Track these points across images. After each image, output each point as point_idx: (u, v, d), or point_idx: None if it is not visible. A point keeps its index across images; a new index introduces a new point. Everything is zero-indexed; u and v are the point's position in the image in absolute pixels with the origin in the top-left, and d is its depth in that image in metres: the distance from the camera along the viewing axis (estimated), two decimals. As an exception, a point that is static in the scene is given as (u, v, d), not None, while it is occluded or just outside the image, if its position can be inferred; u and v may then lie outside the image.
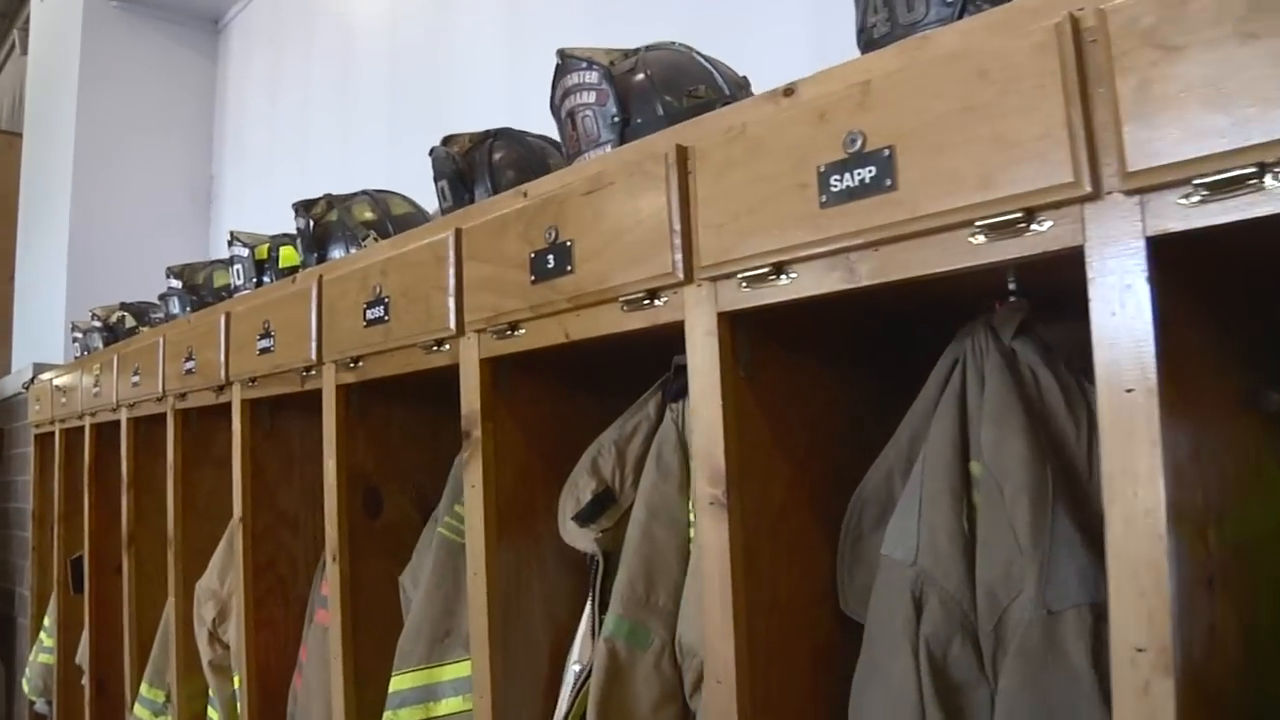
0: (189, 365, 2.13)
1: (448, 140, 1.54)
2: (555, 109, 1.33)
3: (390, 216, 1.91)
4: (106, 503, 2.78)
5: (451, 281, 1.31)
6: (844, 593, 1.05)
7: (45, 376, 3.48)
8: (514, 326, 1.23)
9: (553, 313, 1.16)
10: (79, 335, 3.39)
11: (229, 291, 2.30)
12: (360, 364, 1.52)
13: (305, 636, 1.83)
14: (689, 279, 0.99)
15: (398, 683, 1.44)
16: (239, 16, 4.61)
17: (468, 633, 1.33)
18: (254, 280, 2.15)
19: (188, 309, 2.58)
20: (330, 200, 1.92)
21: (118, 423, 2.64)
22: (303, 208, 1.89)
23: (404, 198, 2.03)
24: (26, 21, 5.71)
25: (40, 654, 3.45)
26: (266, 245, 2.17)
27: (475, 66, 2.78)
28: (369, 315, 1.47)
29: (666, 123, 1.18)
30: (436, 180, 1.55)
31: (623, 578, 1.15)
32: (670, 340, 1.06)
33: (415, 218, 1.94)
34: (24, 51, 5.93)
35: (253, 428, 1.95)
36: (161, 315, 2.81)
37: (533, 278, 1.17)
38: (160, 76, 4.61)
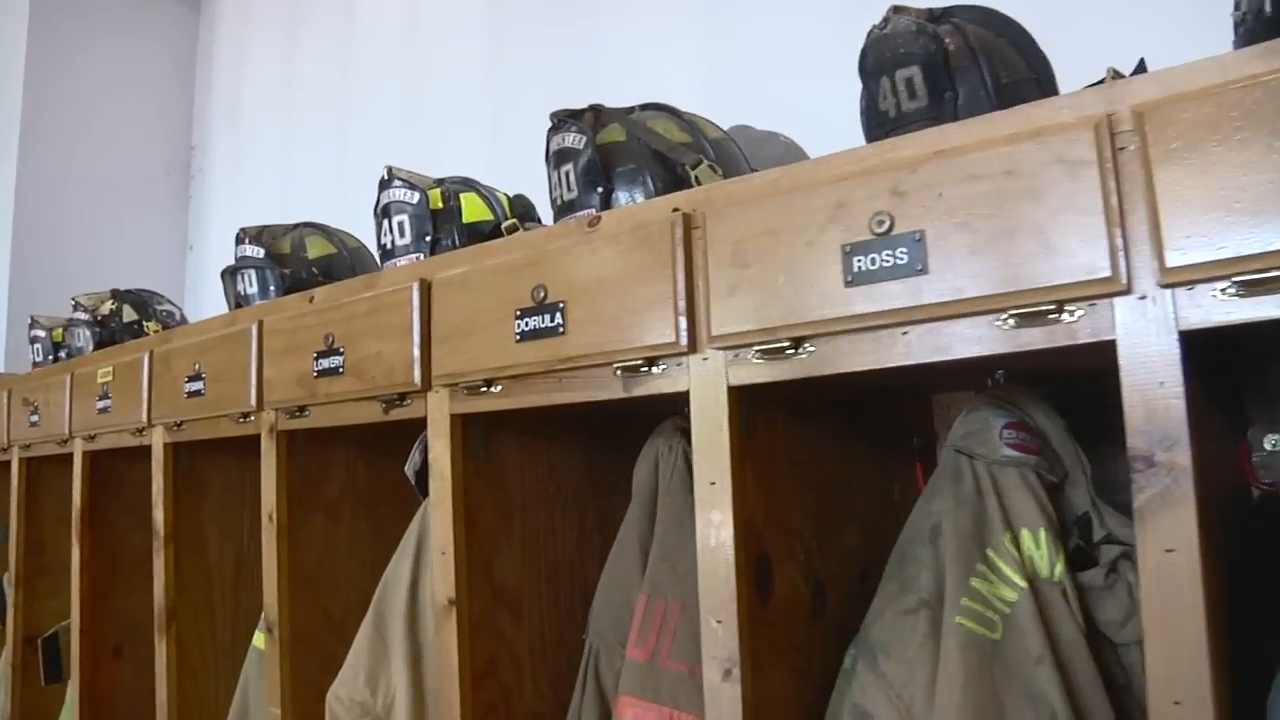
0: (280, 366, 1.59)
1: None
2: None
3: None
4: (106, 560, 2.18)
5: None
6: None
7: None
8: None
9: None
10: (39, 334, 2.76)
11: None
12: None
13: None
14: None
15: None
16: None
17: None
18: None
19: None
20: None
21: (139, 450, 1.98)
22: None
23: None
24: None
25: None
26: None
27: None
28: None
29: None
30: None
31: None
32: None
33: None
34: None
35: (465, 456, 1.36)
36: (167, 309, 2.55)
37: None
38: (130, 32, 4.07)
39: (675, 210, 1.13)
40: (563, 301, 1.18)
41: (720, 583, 1.07)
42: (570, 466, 1.49)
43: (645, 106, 1.37)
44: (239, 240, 1.78)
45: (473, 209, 1.55)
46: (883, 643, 1.07)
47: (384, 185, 1.54)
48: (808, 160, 1.09)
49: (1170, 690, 0.78)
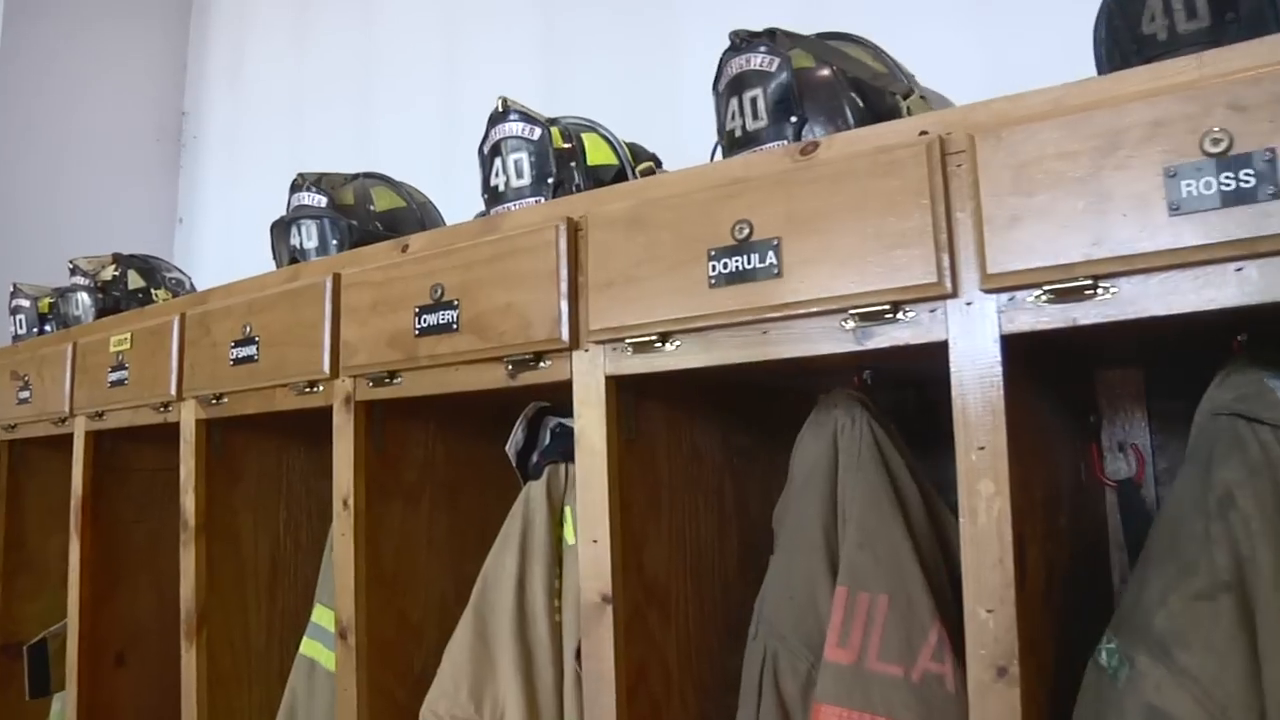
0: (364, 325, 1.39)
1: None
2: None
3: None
4: (108, 556, 1.91)
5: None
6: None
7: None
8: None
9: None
10: (23, 304, 2.44)
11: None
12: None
13: None
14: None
15: None
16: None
17: None
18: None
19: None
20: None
21: (150, 430, 1.78)
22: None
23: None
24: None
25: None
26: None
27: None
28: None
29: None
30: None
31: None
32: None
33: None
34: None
35: (619, 428, 1.19)
36: (176, 276, 2.25)
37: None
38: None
39: (923, 133, 0.99)
40: (776, 238, 1.03)
41: (990, 566, 0.93)
42: (709, 444, 1.34)
43: (824, 35, 1.23)
44: (296, 187, 1.57)
45: (597, 151, 1.39)
46: (1175, 633, 0.94)
47: (496, 119, 1.36)
48: (1089, 79, 0.96)
49: None
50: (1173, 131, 0.87)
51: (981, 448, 0.94)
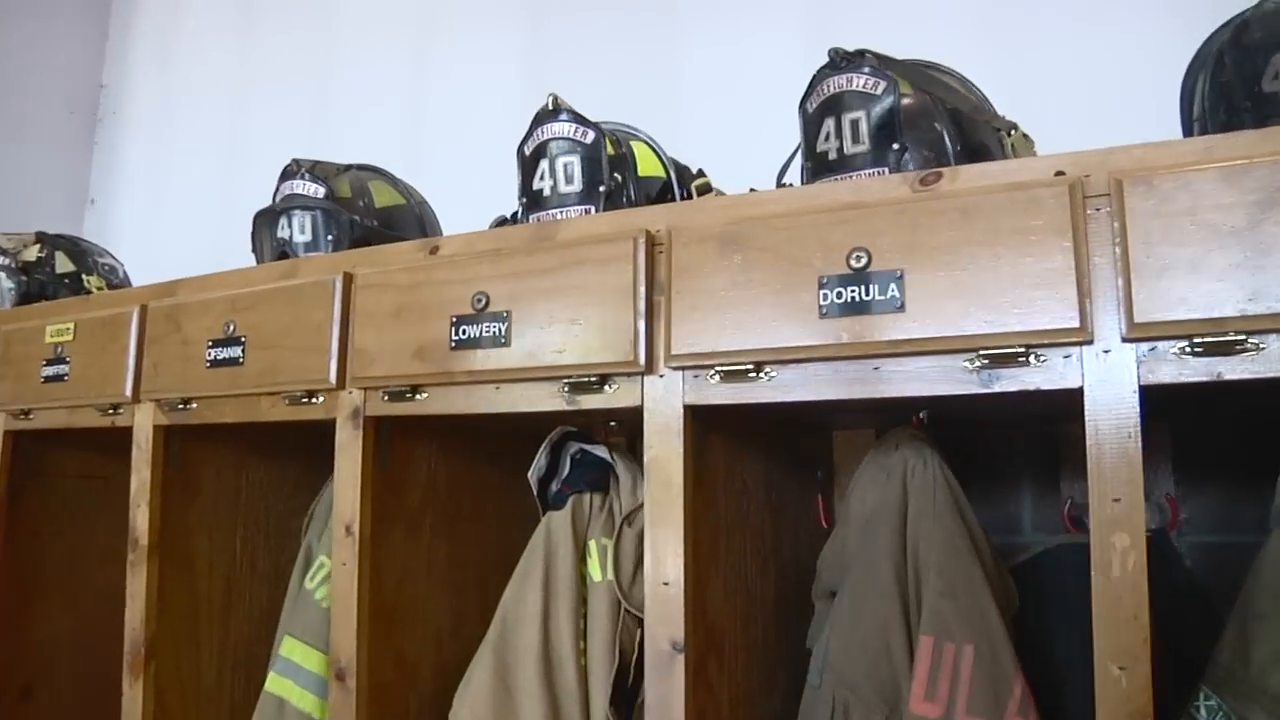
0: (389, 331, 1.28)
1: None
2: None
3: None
4: (20, 574, 1.66)
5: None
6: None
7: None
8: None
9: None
10: None
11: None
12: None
13: None
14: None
15: None
16: None
17: None
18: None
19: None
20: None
21: (82, 435, 1.62)
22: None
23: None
24: None
25: None
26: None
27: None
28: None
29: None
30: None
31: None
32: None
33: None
34: None
35: (694, 461, 1.13)
36: (109, 263, 2.01)
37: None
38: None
39: (1059, 173, 0.98)
40: (900, 270, 1.00)
41: (1126, 621, 0.92)
42: (756, 480, 1.29)
43: (915, 61, 1.21)
44: (289, 174, 1.44)
45: (646, 161, 1.33)
46: None
47: (544, 119, 1.29)
48: (1239, 133, 0.97)
49: None
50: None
51: (1117, 500, 0.94)
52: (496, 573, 1.42)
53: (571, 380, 1.15)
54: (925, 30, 1.73)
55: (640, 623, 1.28)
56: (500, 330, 1.18)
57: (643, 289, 1.12)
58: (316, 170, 1.45)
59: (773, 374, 1.07)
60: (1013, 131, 1.14)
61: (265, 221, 1.46)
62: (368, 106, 2.48)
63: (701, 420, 1.14)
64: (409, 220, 1.53)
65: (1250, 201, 0.91)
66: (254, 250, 1.50)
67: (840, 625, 1.17)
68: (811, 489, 1.51)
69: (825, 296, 1.03)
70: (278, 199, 1.46)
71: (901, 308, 1.01)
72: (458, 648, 1.38)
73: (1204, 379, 0.93)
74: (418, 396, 1.25)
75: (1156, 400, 0.96)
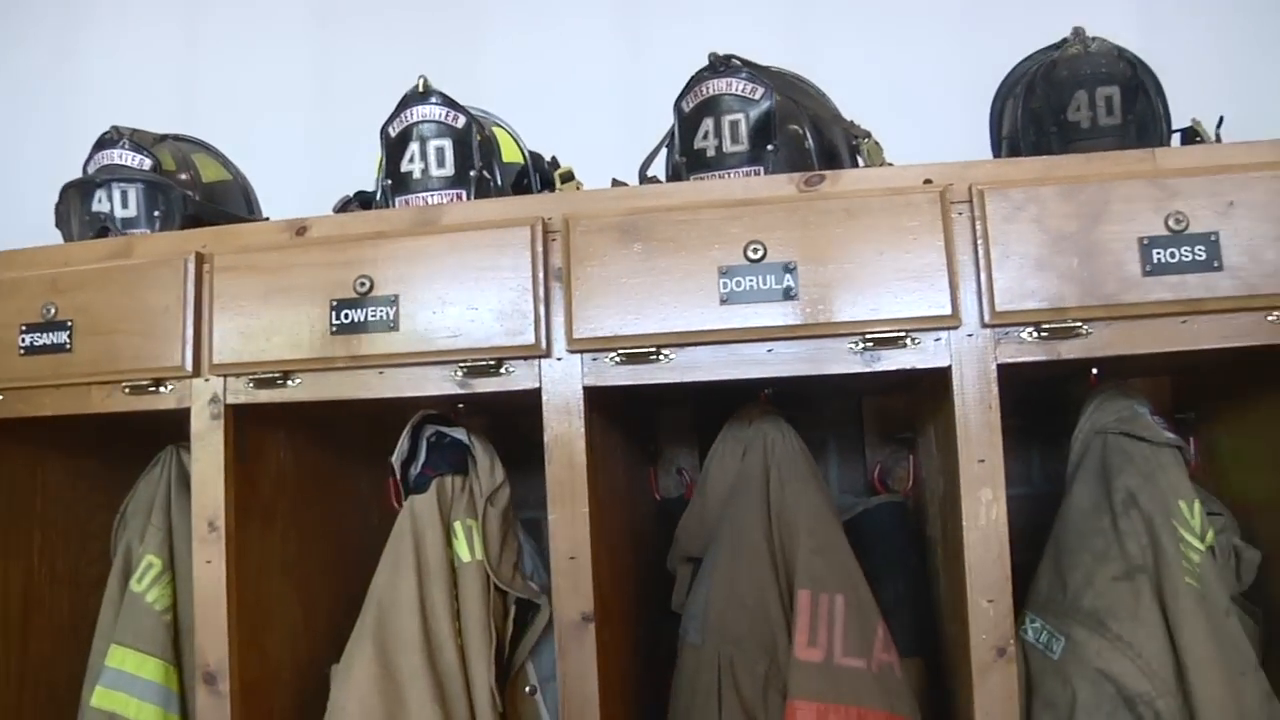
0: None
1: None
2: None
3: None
4: None
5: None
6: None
7: None
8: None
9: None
10: None
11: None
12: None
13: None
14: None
15: None
16: None
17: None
18: None
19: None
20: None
21: None
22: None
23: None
24: None
25: None
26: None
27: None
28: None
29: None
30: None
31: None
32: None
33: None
34: None
35: (592, 441, 1.20)
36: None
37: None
38: None
39: (927, 181, 1.15)
40: (793, 262, 1.13)
41: (993, 562, 1.12)
42: (618, 458, 1.39)
43: (778, 70, 1.34)
44: (108, 142, 1.34)
45: (508, 148, 1.37)
46: (1106, 610, 1.20)
47: (412, 101, 1.30)
48: (1069, 156, 1.18)
49: None
50: (1143, 209, 1.11)
51: (982, 461, 1.13)
52: (343, 562, 1.42)
53: (467, 364, 1.19)
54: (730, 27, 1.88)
55: (505, 598, 1.34)
56: (388, 314, 1.19)
57: (541, 274, 1.18)
58: (136, 138, 1.35)
59: (672, 356, 1.17)
60: (866, 139, 1.30)
61: (78, 193, 1.35)
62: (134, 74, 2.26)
63: (604, 401, 1.21)
64: (236, 196, 1.47)
65: (1084, 213, 1.12)
66: (59, 225, 1.38)
67: (717, 588, 1.29)
68: (645, 464, 1.62)
69: (725, 284, 1.14)
70: (93, 169, 1.35)
71: (794, 295, 1.14)
72: (311, 642, 1.37)
73: (1048, 358, 1.13)
74: (290, 383, 1.23)
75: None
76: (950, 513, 1.18)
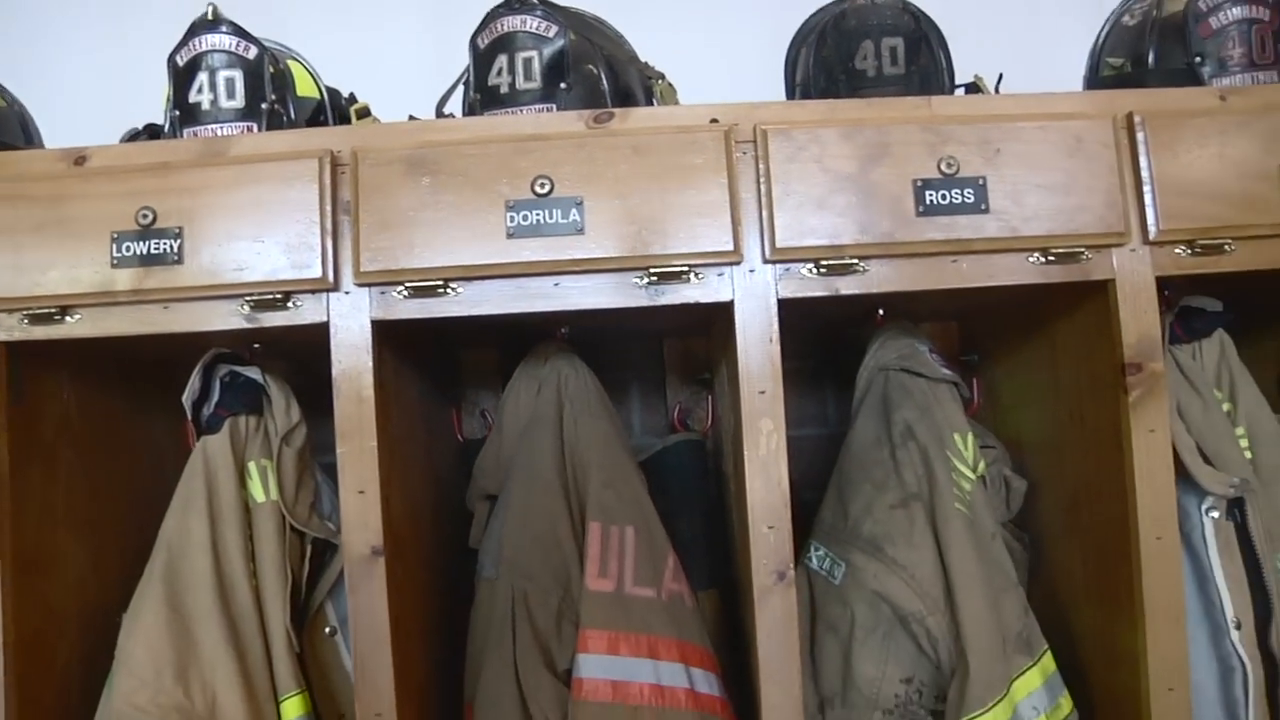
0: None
1: None
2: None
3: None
4: None
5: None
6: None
7: None
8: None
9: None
10: None
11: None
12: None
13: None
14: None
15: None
16: None
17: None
18: None
19: None
20: None
21: None
22: None
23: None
24: None
25: None
26: None
27: None
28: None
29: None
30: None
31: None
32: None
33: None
34: None
35: (382, 375, 1.22)
36: None
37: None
38: None
39: (714, 120, 1.20)
40: (580, 197, 1.17)
41: (772, 489, 1.18)
42: (413, 396, 1.41)
43: (576, 10, 1.37)
44: None
45: (303, 81, 1.36)
46: (883, 535, 1.29)
47: (201, 29, 1.28)
48: (850, 100, 1.24)
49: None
50: (919, 153, 1.18)
51: (762, 392, 1.18)
52: (137, 510, 1.40)
53: (254, 298, 1.18)
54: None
55: (303, 538, 1.35)
56: (172, 247, 1.18)
57: (329, 208, 1.18)
58: (-101, 63, 1.30)
59: (460, 290, 1.19)
60: (660, 80, 1.34)
61: None
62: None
63: (381, 337, 1.22)
64: (13, 124, 1.41)
65: (863, 155, 1.18)
66: None
67: (511, 522, 1.33)
68: (447, 405, 1.64)
69: (512, 219, 1.17)
70: None
71: (581, 230, 1.17)
72: (101, 591, 1.35)
73: (826, 294, 1.20)
74: (68, 319, 1.20)
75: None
76: (736, 445, 1.24)
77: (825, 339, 1.63)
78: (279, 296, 1.18)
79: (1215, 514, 1.29)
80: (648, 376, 1.74)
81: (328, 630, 1.37)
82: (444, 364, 1.66)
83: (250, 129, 1.29)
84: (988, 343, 1.61)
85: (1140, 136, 1.23)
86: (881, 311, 1.44)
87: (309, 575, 1.36)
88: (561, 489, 1.32)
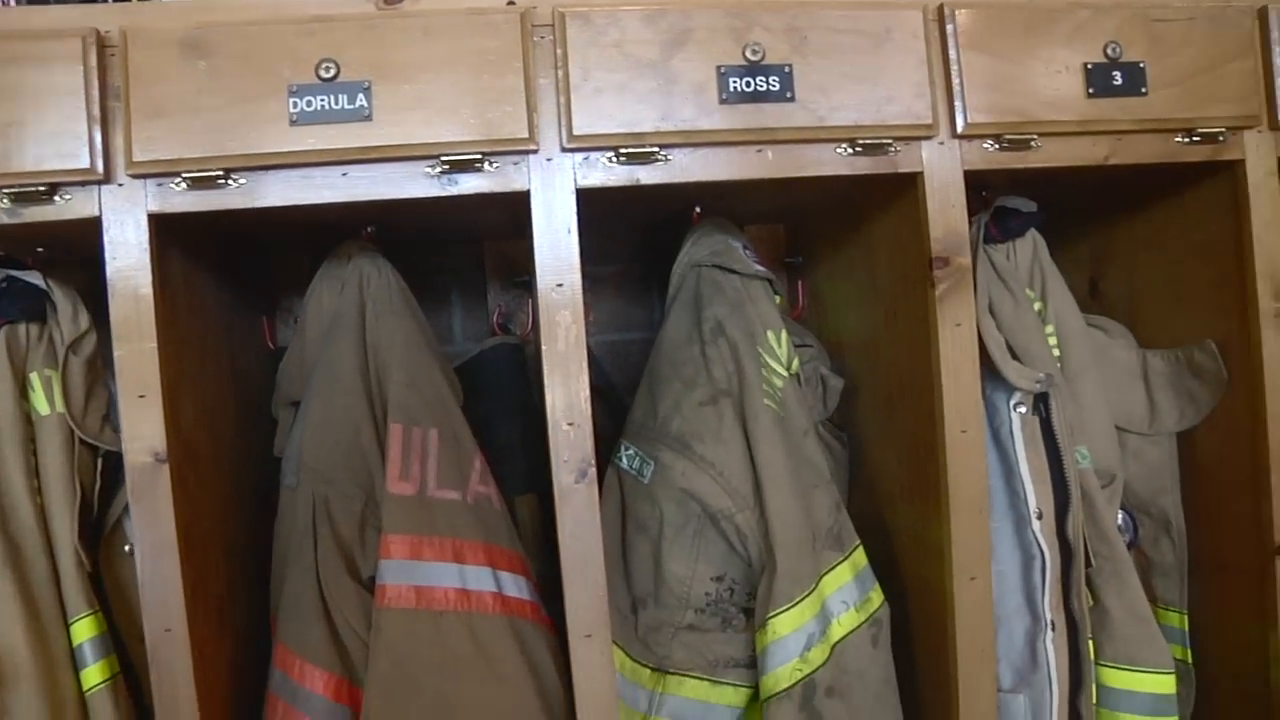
0: None
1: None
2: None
3: None
4: None
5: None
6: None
7: None
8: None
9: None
10: None
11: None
12: None
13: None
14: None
15: (782, 626, 1.24)
16: None
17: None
18: None
19: None
20: None
21: None
22: None
23: None
24: None
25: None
26: None
27: None
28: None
29: None
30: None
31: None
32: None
33: None
34: None
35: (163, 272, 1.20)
36: None
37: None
38: None
39: (510, 3, 1.17)
40: (367, 81, 1.13)
41: (572, 382, 1.17)
42: (210, 300, 1.36)
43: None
44: None
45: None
46: (691, 432, 1.29)
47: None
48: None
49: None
50: (723, 39, 1.17)
51: (560, 285, 1.17)
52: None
53: (15, 190, 1.12)
54: None
55: (95, 452, 1.30)
56: (-80, 136, 1.10)
57: (96, 93, 1.12)
58: None
59: (241, 180, 1.14)
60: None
61: None
62: None
63: (162, 234, 1.17)
64: None
65: (663, 40, 1.17)
66: None
67: (311, 426, 1.30)
68: (257, 312, 1.59)
69: (295, 105, 1.12)
70: None
71: (369, 117, 1.13)
72: None
73: (626, 183, 1.19)
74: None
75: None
76: (536, 340, 1.22)
77: (650, 242, 1.62)
78: (43, 189, 1.12)
79: (1022, 409, 1.32)
80: (469, 281, 1.72)
81: (127, 548, 1.33)
82: (255, 269, 1.61)
83: (9, 2, 1.21)
84: (813, 245, 1.63)
85: (950, 29, 1.24)
86: (699, 209, 1.43)
87: (103, 491, 1.32)
88: (364, 391, 1.29)
